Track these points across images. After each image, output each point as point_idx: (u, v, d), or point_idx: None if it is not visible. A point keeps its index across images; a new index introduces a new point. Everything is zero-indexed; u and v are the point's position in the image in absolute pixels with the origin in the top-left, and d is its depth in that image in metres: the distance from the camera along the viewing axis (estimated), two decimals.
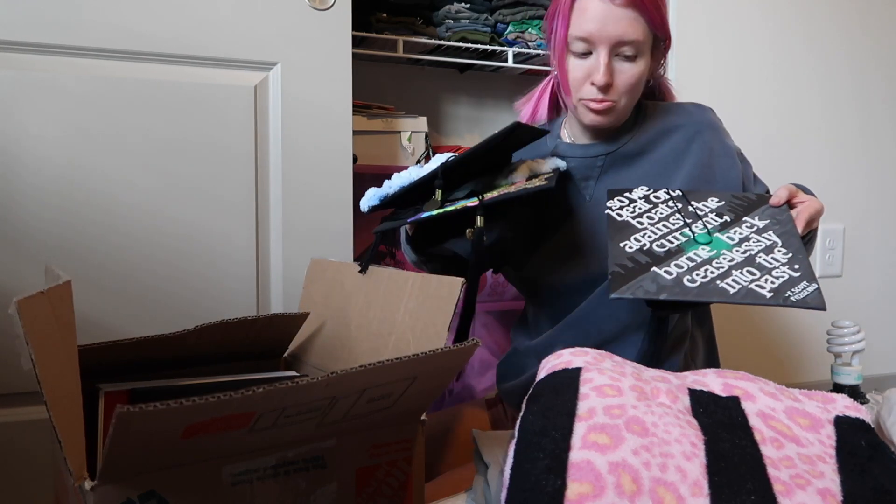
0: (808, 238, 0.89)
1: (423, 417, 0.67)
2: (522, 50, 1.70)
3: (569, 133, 1.04)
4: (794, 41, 1.75)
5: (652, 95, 1.07)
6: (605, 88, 0.91)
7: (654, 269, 0.75)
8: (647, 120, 1.00)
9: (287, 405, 0.52)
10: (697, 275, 0.74)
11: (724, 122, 1.03)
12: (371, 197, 0.91)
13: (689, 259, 0.77)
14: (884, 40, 1.85)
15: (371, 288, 0.81)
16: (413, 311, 0.73)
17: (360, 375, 0.54)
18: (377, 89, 2.24)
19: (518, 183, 0.87)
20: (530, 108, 1.10)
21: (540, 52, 1.67)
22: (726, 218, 0.83)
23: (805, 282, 0.72)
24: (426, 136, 2.06)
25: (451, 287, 0.68)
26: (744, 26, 1.69)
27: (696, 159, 0.96)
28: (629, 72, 0.91)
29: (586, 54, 0.91)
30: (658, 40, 0.95)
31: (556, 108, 1.10)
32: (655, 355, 0.90)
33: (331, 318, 0.87)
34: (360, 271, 0.85)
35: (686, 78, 1.63)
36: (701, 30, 1.65)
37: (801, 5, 1.75)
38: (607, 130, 0.99)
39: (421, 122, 2.04)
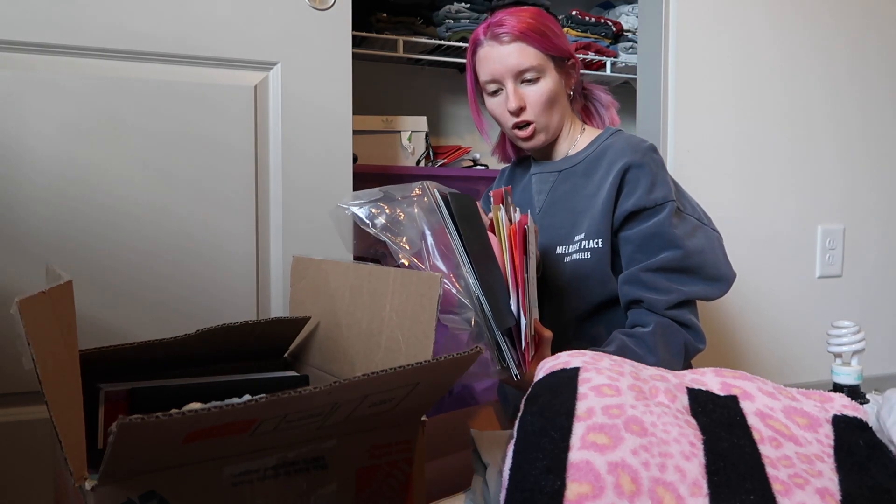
0: None
1: (423, 418, 0.67)
2: None
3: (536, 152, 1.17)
4: (797, 41, 1.75)
5: (585, 112, 1.18)
6: (519, 112, 1.05)
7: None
8: (596, 145, 1.09)
9: (289, 412, 0.52)
10: None
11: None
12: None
13: None
14: (888, 40, 1.85)
15: (354, 285, 0.81)
16: (398, 308, 0.73)
17: (363, 384, 0.54)
18: (377, 89, 2.25)
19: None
20: (500, 151, 1.24)
21: None
22: None
23: None
24: (426, 135, 2.06)
25: (430, 283, 0.69)
26: (746, 26, 1.69)
27: (606, 193, 1.01)
28: (536, 91, 1.04)
29: (497, 91, 1.07)
30: (559, 60, 1.06)
31: (517, 146, 1.19)
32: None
33: (322, 318, 0.87)
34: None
35: (688, 79, 1.63)
36: (703, 30, 1.65)
37: (805, 5, 1.75)
38: (559, 153, 1.12)
39: (421, 122, 2.04)
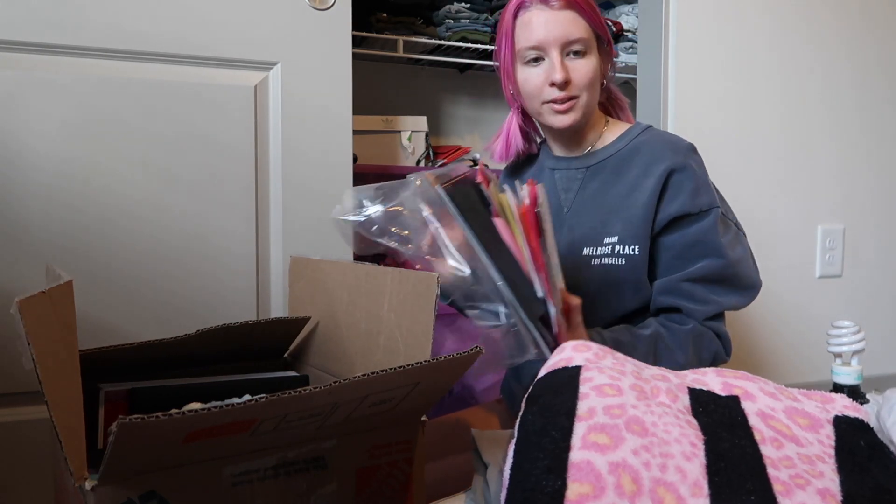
0: None
1: (423, 418, 0.67)
2: None
3: (550, 148, 1.09)
4: (797, 41, 1.75)
5: (609, 106, 1.11)
6: (564, 84, 0.95)
7: None
8: (626, 140, 1.02)
9: (289, 412, 0.52)
10: None
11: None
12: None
13: None
14: (887, 41, 1.85)
15: (352, 285, 0.81)
16: (396, 308, 0.73)
17: (363, 384, 0.54)
18: (377, 89, 2.24)
19: None
20: (502, 144, 1.12)
21: None
22: None
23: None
24: (426, 135, 2.06)
25: (427, 283, 0.69)
26: (746, 26, 1.69)
27: (648, 198, 0.95)
28: (584, 67, 0.96)
29: (538, 59, 0.97)
30: (601, 41, 1.00)
31: (528, 137, 1.11)
32: None
33: (321, 318, 0.87)
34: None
35: (687, 79, 1.63)
36: (702, 30, 1.65)
37: (804, 6, 1.74)
38: (585, 144, 1.04)
39: (421, 122, 2.05)
